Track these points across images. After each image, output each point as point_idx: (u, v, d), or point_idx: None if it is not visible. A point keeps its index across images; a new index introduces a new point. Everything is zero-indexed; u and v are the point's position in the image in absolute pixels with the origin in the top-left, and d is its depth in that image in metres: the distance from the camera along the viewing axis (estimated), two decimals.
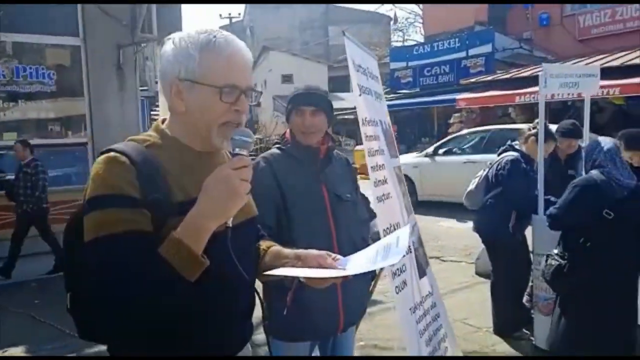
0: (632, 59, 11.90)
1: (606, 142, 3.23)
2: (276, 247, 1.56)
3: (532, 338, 4.01)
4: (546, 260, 3.43)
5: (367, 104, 2.68)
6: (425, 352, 2.87)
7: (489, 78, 14.57)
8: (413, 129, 19.24)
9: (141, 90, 9.51)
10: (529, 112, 13.64)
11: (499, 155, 4.33)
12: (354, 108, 2.62)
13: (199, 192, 1.18)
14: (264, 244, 1.57)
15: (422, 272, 3.06)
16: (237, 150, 1.24)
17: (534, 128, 4.15)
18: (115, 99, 7.80)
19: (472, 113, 15.56)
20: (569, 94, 4.60)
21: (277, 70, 30.42)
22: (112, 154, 1.25)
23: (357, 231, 2.27)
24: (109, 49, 7.70)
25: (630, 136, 3.82)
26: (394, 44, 33.27)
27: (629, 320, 3.26)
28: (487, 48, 15.81)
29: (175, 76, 1.30)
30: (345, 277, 1.36)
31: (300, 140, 2.23)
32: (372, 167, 2.59)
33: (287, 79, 30.16)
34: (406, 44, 29.49)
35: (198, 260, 1.15)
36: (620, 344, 3.22)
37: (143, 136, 1.37)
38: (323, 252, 1.44)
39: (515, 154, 4.14)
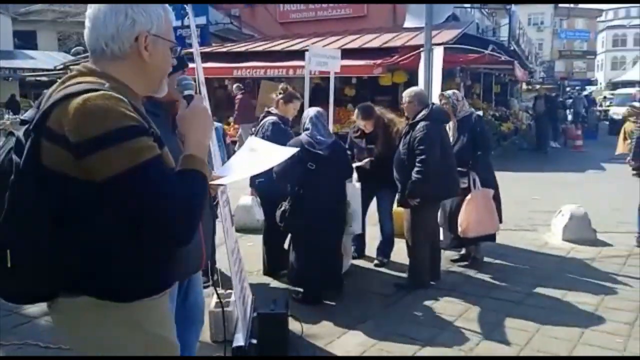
0: (325, 45, 13.98)
1: (312, 110, 4.25)
2: None
3: None
4: (280, 208, 4.26)
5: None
6: (239, 288, 3.35)
7: (208, 50, 15.09)
8: None
9: None
10: (242, 84, 14.77)
11: (260, 120, 4.96)
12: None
13: None
14: None
15: (231, 222, 3.48)
16: (186, 92, 1.55)
17: (280, 94, 4.90)
18: None
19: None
20: (315, 72, 5.51)
21: None
22: (106, 92, 1.33)
23: None
24: None
25: (362, 109, 4.95)
26: None
27: (334, 245, 4.32)
28: (201, 20, 16.20)
29: (146, 30, 1.46)
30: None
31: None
32: None
33: None
34: None
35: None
36: (328, 266, 4.26)
37: (97, 81, 1.40)
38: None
39: (273, 117, 4.83)
